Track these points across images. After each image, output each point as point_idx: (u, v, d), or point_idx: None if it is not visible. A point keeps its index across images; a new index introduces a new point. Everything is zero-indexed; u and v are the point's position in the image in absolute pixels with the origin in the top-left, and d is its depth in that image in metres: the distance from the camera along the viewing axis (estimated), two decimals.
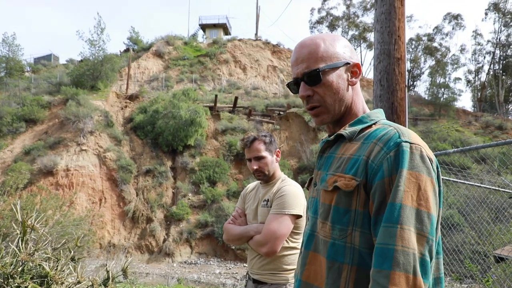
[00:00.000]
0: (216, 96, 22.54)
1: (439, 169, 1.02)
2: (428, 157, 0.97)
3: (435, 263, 1.01)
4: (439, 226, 1.00)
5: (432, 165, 0.97)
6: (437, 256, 1.01)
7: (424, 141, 1.02)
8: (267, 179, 2.21)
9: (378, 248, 0.90)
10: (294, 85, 1.16)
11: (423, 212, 0.91)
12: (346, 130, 1.10)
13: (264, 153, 2.17)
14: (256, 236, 2.03)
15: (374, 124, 1.11)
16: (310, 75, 1.09)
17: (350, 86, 1.13)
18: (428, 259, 0.90)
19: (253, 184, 2.40)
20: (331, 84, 1.09)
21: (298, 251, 2.07)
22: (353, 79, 1.13)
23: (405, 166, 0.93)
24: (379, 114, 1.15)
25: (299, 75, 1.12)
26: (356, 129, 1.09)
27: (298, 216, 2.03)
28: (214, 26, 39.30)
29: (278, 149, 2.24)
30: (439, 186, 0.99)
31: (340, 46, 1.12)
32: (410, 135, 0.99)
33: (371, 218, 0.97)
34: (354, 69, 1.13)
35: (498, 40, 33.43)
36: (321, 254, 1.07)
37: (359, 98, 1.16)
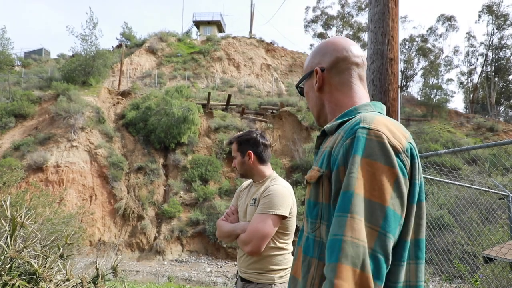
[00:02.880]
0: (209, 93, 22.48)
1: (418, 163, 0.95)
2: (392, 146, 0.89)
3: (413, 269, 0.95)
4: (410, 226, 0.92)
5: (398, 155, 0.89)
6: (417, 261, 0.96)
7: (416, 142, 1.01)
8: (250, 177, 2.27)
9: (329, 240, 0.85)
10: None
11: (375, 204, 0.84)
12: (328, 125, 1.11)
13: (235, 153, 2.27)
14: (241, 235, 2.04)
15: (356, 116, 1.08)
16: (299, 92, 1.30)
17: (317, 91, 1.19)
18: (381, 257, 0.82)
19: (247, 182, 2.42)
20: (306, 95, 1.25)
21: (286, 251, 2.08)
22: (316, 84, 1.18)
23: (359, 152, 0.88)
24: (368, 107, 1.10)
25: None
26: (335, 123, 1.08)
27: (284, 217, 2.02)
28: (208, 23, 39.16)
29: (250, 150, 2.22)
30: (412, 180, 0.92)
31: (312, 56, 1.22)
32: (372, 121, 0.93)
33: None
34: (317, 74, 1.18)
35: (491, 42, 33.80)
36: (302, 248, 1.07)
37: (335, 96, 1.16)
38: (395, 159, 0.88)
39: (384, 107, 1.15)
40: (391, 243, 0.85)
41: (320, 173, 0.99)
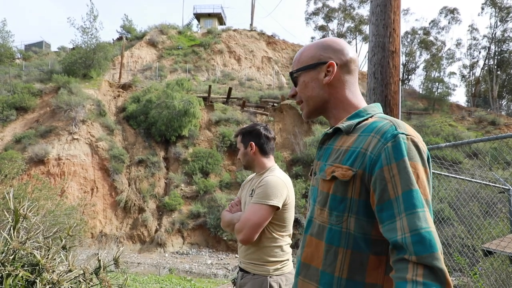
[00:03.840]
0: (210, 86, 22.42)
1: (430, 163, 1.07)
2: (423, 150, 1.03)
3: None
4: None
5: (428, 158, 1.04)
6: None
7: None
8: (252, 169, 2.30)
9: (416, 234, 0.92)
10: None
11: (426, 200, 0.98)
12: (344, 124, 1.18)
13: (239, 145, 2.31)
14: (236, 223, 2.08)
15: (371, 117, 1.17)
16: (290, 78, 1.29)
17: (326, 84, 1.22)
18: None
19: (253, 174, 2.45)
20: (303, 84, 1.25)
21: (283, 243, 2.11)
22: (326, 78, 1.21)
23: (405, 155, 0.99)
24: (375, 108, 1.22)
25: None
26: (352, 123, 1.16)
27: (277, 208, 2.02)
28: (209, 15, 38.95)
29: (251, 142, 2.25)
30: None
31: (319, 50, 1.23)
32: (405, 127, 1.06)
33: (367, 205, 1.04)
34: (328, 69, 1.21)
35: (493, 35, 33.60)
36: (317, 238, 1.14)
37: (343, 93, 1.23)
38: (426, 161, 1.03)
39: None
40: None
41: (354, 172, 1.06)
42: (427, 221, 0.93)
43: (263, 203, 2.00)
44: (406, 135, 1.02)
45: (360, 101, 1.24)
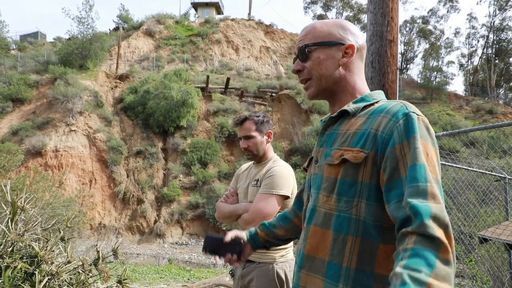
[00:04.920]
0: (207, 77, 22.32)
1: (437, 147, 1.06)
2: (431, 130, 1.02)
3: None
4: None
5: (434, 138, 1.03)
6: None
7: None
8: (257, 159, 2.23)
9: (412, 206, 0.86)
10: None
11: (433, 177, 0.93)
12: (350, 107, 1.15)
13: (254, 133, 2.19)
14: (244, 214, 2.07)
15: (377, 102, 1.16)
16: (301, 51, 1.20)
17: (341, 65, 1.18)
18: None
19: (247, 164, 2.43)
20: (317, 60, 1.18)
21: None
22: (344, 59, 1.18)
23: (417, 132, 0.96)
24: (380, 95, 1.21)
25: (296, 53, 1.23)
26: (359, 106, 1.15)
27: (286, 197, 2.05)
28: (207, 5, 38.55)
29: (270, 130, 2.25)
30: None
31: (337, 28, 1.19)
32: (415, 108, 1.04)
33: (379, 189, 1.00)
34: (347, 50, 1.18)
35: (492, 24, 33.43)
36: (323, 227, 1.09)
37: (355, 78, 1.21)
38: (436, 142, 1.01)
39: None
40: None
41: (366, 154, 1.02)
42: (427, 196, 0.87)
43: (273, 193, 2.01)
44: (417, 114, 1.01)
45: (366, 89, 1.22)
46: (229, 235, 1.39)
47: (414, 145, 0.94)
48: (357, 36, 1.21)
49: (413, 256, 0.80)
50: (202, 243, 1.52)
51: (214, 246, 1.37)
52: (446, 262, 0.79)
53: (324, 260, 1.07)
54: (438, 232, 0.82)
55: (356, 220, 1.02)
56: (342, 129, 1.14)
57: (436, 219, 0.84)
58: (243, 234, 1.44)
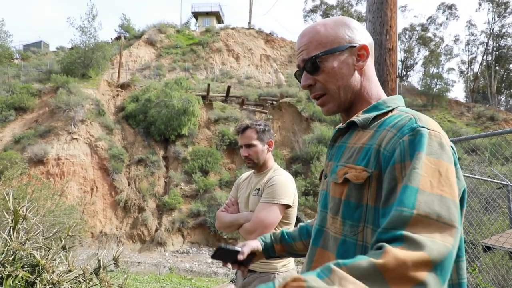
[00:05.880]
0: (208, 85, 22.42)
1: (458, 164, 0.91)
2: (446, 145, 0.86)
3: (454, 266, 0.89)
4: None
5: (454, 154, 0.89)
6: (458, 259, 0.90)
7: None
8: (257, 168, 2.23)
9: (386, 233, 0.74)
10: (299, 75, 1.10)
11: (448, 200, 0.77)
12: (359, 117, 1.01)
13: (255, 142, 2.18)
14: (245, 224, 2.07)
15: (391, 111, 1.00)
16: (309, 63, 1.03)
17: (356, 71, 1.04)
18: (454, 253, 0.73)
19: (247, 173, 2.43)
20: (332, 71, 1.01)
21: None
22: (360, 63, 1.03)
23: (423, 149, 0.82)
24: (397, 101, 1.04)
25: (301, 65, 1.07)
26: (369, 116, 0.99)
27: (288, 206, 2.06)
28: (207, 14, 38.88)
29: (271, 139, 2.25)
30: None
31: (343, 29, 1.03)
32: (428, 121, 0.89)
33: None
34: (360, 52, 1.03)
35: (491, 30, 33.59)
36: (330, 251, 0.99)
37: (371, 83, 1.06)
38: (452, 158, 0.86)
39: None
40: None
41: (369, 173, 0.89)
42: (410, 225, 0.73)
43: (275, 202, 2.01)
44: (428, 129, 0.85)
45: (382, 94, 1.07)
46: (245, 251, 1.29)
47: (414, 164, 0.80)
48: (365, 34, 1.06)
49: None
50: (213, 251, 1.48)
51: (226, 257, 1.31)
52: (373, 265, 0.67)
53: None
54: (400, 250, 0.68)
55: (363, 247, 0.91)
56: (350, 142, 1.01)
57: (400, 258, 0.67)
58: (258, 245, 1.35)
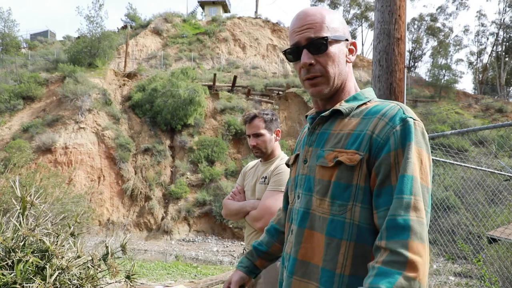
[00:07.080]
0: (215, 75, 22.36)
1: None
2: (426, 135, 1.01)
3: None
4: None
5: (428, 142, 1.02)
6: None
7: (423, 123, 1.04)
8: (265, 156, 2.23)
9: (391, 219, 0.90)
10: (291, 53, 1.12)
11: (424, 187, 0.94)
12: (343, 106, 1.10)
13: (263, 131, 2.18)
14: (252, 211, 2.08)
15: (369, 101, 1.12)
16: (316, 43, 1.07)
17: (347, 63, 1.14)
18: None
19: (253, 162, 2.44)
20: (334, 56, 1.08)
21: None
22: (350, 56, 1.14)
23: (412, 140, 0.96)
24: (371, 93, 1.18)
25: (302, 42, 1.08)
26: (353, 105, 1.10)
27: None
28: (213, 3, 38.59)
29: (278, 129, 2.25)
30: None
31: (341, 22, 1.13)
32: (411, 111, 1.03)
33: (372, 192, 1.00)
34: (351, 47, 1.15)
35: (502, 21, 33.01)
36: (318, 231, 1.05)
37: (352, 77, 1.18)
38: (428, 144, 1.00)
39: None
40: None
41: (361, 156, 1.00)
42: (409, 210, 0.90)
43: (282, 190, 2.01)
44: (414, 119, 0.99)
45: (357, 86, 1.19)
46: (234, 286, 1.41)
47: (407, 155, 0.94)
48: (347, 31, 1.16)
49: (378, 275, 0.86)
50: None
51: None
52: (408, 279, 0.84)
53: (318, 266, 1.04)
54: (410, 250, 0.86)
55: (350, 224, 1.00)
56: (334, 129, 1.09)
57: (413, 233, 0.88)
58: (241, 276, 1.44)
